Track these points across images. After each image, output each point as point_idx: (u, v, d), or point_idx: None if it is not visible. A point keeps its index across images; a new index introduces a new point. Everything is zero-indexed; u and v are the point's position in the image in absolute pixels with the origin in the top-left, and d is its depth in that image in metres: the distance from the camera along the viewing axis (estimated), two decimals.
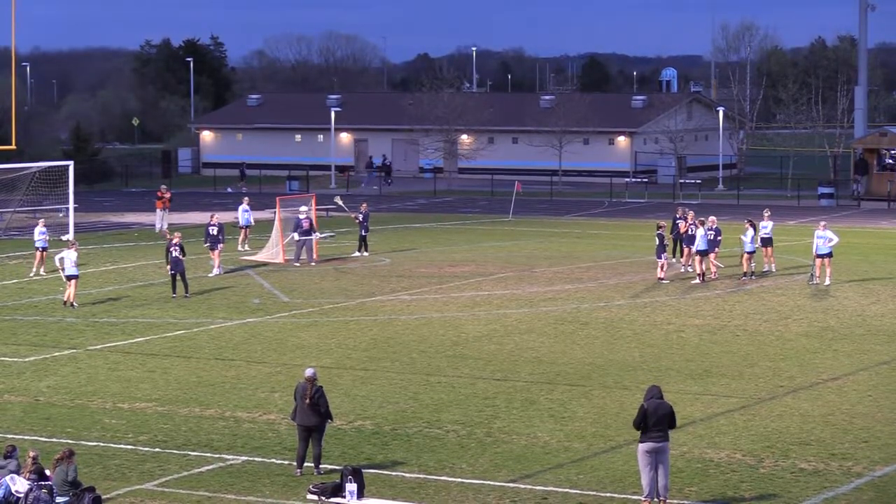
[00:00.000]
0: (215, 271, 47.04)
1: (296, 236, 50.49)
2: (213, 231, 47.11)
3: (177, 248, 42.22)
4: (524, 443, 25.14)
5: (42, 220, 49.54)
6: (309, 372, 23.46)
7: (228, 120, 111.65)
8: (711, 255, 45.48)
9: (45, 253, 47.33)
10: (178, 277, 42.26)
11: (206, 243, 47.68)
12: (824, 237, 44.12)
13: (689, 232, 46.31)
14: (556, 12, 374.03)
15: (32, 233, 48.79)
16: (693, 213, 47.62)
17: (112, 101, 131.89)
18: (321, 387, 23.34)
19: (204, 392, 29.24)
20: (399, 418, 26.91)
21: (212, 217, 48.48)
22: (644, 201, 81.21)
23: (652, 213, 70.59)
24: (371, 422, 26.67)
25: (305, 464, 23.18)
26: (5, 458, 21.73)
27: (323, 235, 54.14)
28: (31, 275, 46.86)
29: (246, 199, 57.52)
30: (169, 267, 42.32)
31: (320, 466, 23.11)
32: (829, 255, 44.24)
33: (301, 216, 50.60)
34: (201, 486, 22.47)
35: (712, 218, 46.55)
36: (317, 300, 41.80)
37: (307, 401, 23.05)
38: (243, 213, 55.53)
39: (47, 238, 47.77)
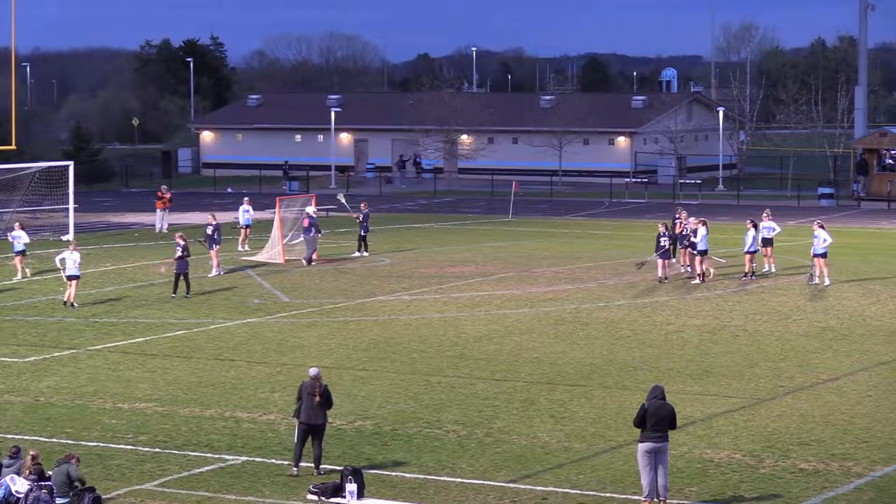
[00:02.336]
0: (214, 272, 47.03)
1: (320, 236, 50.65)
2: (209, 231, 47.07)
3: (179, 248, 42.23)
4: (524, 443, 25.14)
5: (18, 223, 48.32)
6: (314, 371, 23.48)
7: (228, 120, 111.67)
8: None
9: (23, 257, 46.67)
10: (181, 278, 42.23)
11: (202, 240, 47.43)
12: (818, 237, 44.14)
13: (684, 232, 46.36)
14: (556, 12, 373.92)
15: (14, 236, 47.29)
16: (686, 213, 47.51)
17: (112, 101, 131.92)
18: (326, 385, 23.37)
19: (204, 392, 29.24)
20: (399, 418, 26.91)
21: (211, 217, 48.41)
22: (644, 201, 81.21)
23: (652, 213, 70.60)
24: (371, 422, 26.67)
25: (304, 464, 23.17)
26: (10, 458, 21.75)
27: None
28: (18, 278, 46.28)
29: (246, 199, 57.50)
30: (171, 267, 42.26)
31: (321, 467, 23.10)
32: (825, 254, 44.25)
33: (314, 216, 50.58)
34: (201, 486, 22.47)
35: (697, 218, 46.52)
36: (317, 300, 41.81)
37: (317, 398, 23.03)
38: (244, 213, 55.50)
39: (23, 241, 46.91)
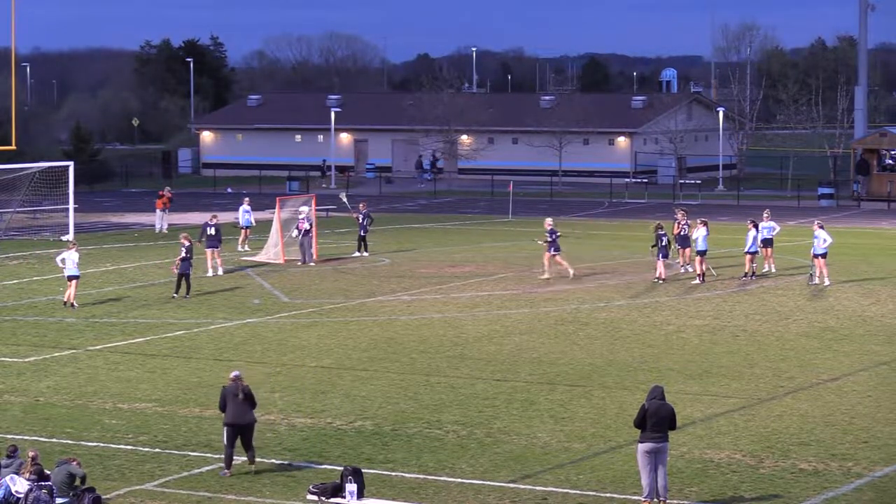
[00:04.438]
0: (210, 272, 46.89)
1: (294, 234, 50.56)
2: (211, 231, 46.96)
3: (184, 248, 42.20)
4: (524, 443, 25.13)
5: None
6: (234, 373, 23.43)
7: (228, 120, 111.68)
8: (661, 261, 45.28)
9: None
10: (183, 278, 42.13)
11: (200, 240, 47.15)
12: (818, 237, 44.16)
13: (682, 232, 46.33)
14: (556, 12, 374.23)
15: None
16: (683, 213, 47.37)
17: (112, 102, 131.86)
18: (248, 385, 23.29)
19: (204, 392, 29.22)
20: (399, 418, 26.90)
21: (212, 217, 48.27)
22: (644, 202, 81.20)
23: (652, 213, 70.56)
24: (371, 422, 26.66)
25: (238, 461, 23.19)
26: (8, 457, 21.75)
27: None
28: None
29: (246, 199, 57.45)
30: (177, 267, 42.15)
31: (255, 461, 23.18)
32: (825, 255, 44.26)
33: (300, 216, 50.57)
34: (201, 486, 22.47)
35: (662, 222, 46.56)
36: (317, 300, 41.80)
37: (240, 396, 23.05)
38: (244, 214, 55.45)
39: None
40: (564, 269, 46.03)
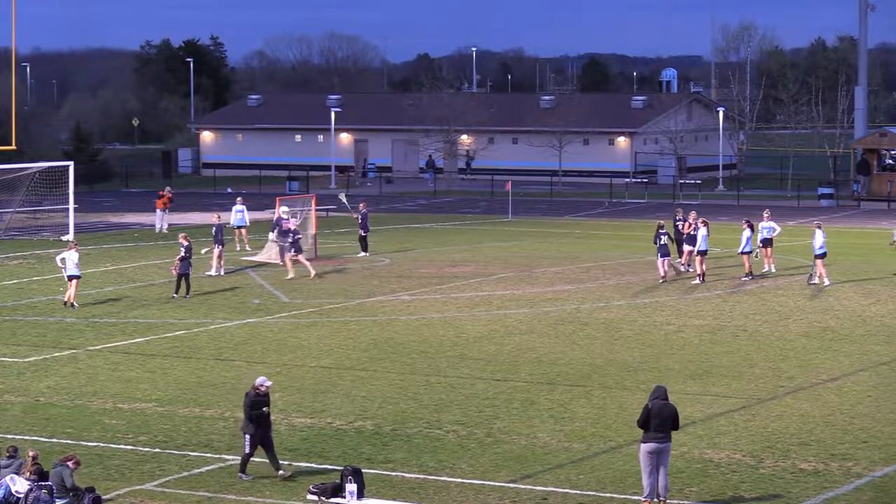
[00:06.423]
0: (213, 271, 46.92)
1: (271, 236, 50.49)
2: (213, 231, 46.97)
3: (183, 248, 42.18)
4: (524, 443, 25.14)
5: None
6: (259, 380, 23.47)
7: (228, 120, 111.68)
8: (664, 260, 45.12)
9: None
10: (183, 278, 42.10)
11: (215, 241, 47.19)
12: (817, 238, 44.16)
13: (693, 232, 46.27)
14: (556, 12, 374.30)
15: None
16: (695, 213, 47.39)
17: (112, 102, 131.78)
18: (247, 394, 23.37)
19: (204, 392, 29.23)
20: (399, 418, 26.91)
21: (216, 217, 48.19)
22: (644, 202, 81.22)
23: (652, 213, 70.59)
24: (371, 422, 26.66)
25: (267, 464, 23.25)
26: (8, 458, 21.74)
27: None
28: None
29: (239, 198, 57.17)
30: (177, 268, 42.10)
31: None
32: (823, 255, 44.25)
33: (283, 217, 50.46)
34: (201, 486, 22.47)
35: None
36: (317, 300, 41.80)
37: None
38: (236, 213, 55.20)
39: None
40: (306, 268, 46.36)
